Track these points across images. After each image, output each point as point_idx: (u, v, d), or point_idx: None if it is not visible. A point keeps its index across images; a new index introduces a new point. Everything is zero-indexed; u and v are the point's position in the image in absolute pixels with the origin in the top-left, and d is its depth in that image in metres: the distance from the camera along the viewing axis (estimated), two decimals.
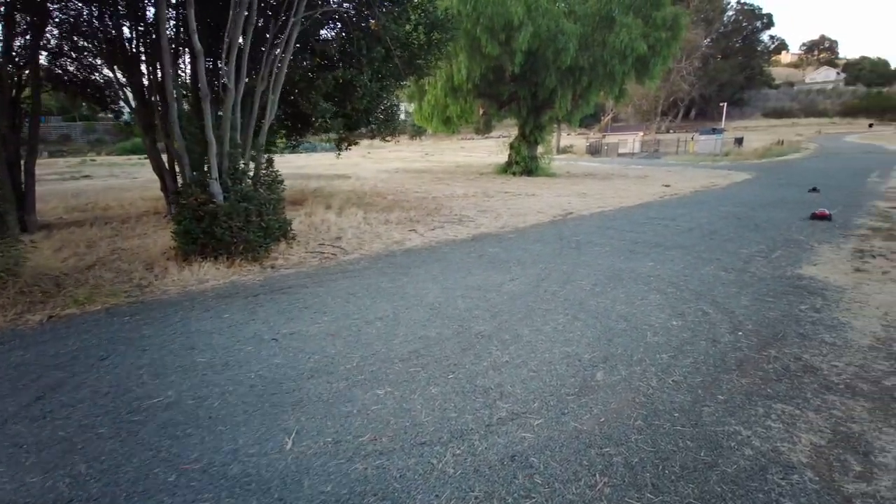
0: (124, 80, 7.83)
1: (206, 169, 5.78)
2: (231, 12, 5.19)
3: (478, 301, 4.41)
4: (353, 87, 7.22)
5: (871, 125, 58.37)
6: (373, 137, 10.47)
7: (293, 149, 10.40)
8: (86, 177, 20.90)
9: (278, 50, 6.24)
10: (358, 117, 8.53)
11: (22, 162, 7.86)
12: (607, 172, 20.82)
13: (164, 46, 5.31)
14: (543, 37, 14.09)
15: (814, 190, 12.12)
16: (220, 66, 5.94)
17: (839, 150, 31.32)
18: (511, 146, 19.56)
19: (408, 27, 7.96)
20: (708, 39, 56.23)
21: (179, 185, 6.05)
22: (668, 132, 46.94)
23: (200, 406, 2.69)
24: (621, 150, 36.41)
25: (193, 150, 6.10)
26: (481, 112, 22.70)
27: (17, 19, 7.27)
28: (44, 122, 42.99)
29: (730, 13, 65.54)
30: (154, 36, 6.32)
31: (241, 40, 5.74)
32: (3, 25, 7.26)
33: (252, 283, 5.19)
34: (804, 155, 27.94)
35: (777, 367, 3.04)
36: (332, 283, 5.10)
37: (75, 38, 7.70)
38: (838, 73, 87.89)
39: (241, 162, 6.20)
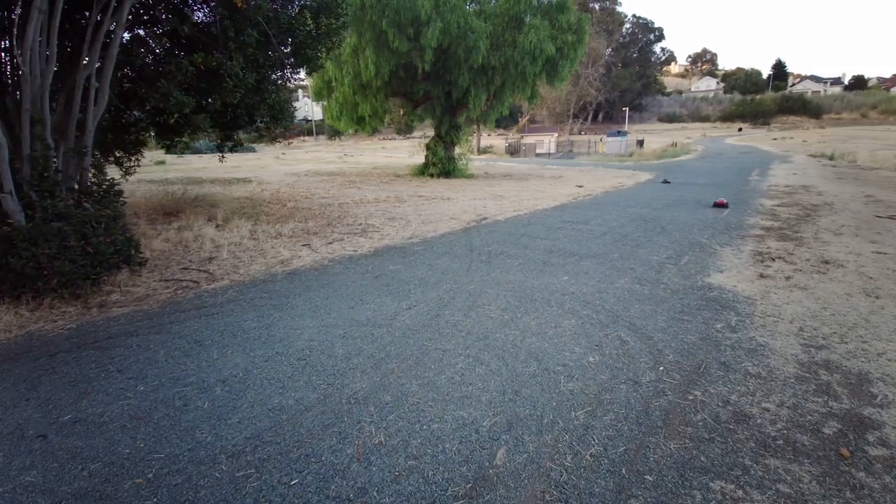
0: None
1: None
2: None
3: (361, 342, 3.53)
4: (220, 76, 5.94)
5: (739, 129, 66.55)
6: (259, 138, 9.10)
7: (230, 149, 8.72)
8: None
9: (105, 24, 4.84)
10: (235, 114, 7.19)
11: None
12: (524, 173, 20.98)
13: None
14: (453, 34, 13.54)
15: (665, 182, 14.44)
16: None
17: (722, 150, 34.94)
18: (427, 147, 18.90)
19: (290, 9, 6.83)
20: (610, 49, 60.54)
21: None
22: (580, 133, 49.55)
23: None
24: (539, 151, 37.58)
25: None
26: (401, 112, 21.83)
27: None
28: None
29: (627, 26, 71.09)
30: None
31: (42, 6, 4.30)
32: None
33: (58, 333, 3.83)
34: (694, 156, 30.65)
35: (706, 419, 2.53)
36: (176, 327, 3.91)
37: None
38: (718, 83, 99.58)
39: (55, 169, 4.72)
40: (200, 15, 7.06)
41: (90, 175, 5.29)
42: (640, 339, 3.53)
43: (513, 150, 38.97)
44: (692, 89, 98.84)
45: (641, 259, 5.88)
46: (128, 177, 9.54)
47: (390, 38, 13.18)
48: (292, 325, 3.89)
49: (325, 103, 18.24)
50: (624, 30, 69.98)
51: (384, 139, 57.36)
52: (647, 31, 75.62)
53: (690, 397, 2.74)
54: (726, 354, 3.29)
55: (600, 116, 67.13)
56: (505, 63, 14.85)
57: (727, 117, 77.25)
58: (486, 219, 9.10)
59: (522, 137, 41.84)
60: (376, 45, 13.87)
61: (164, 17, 6.45)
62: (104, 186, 5.27)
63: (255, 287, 5.01)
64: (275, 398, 2.77)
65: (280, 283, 5.17)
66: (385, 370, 3.09)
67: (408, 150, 33.48)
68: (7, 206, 4.26)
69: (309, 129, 66.62)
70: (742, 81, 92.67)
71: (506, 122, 46.88)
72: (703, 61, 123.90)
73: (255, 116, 7.92)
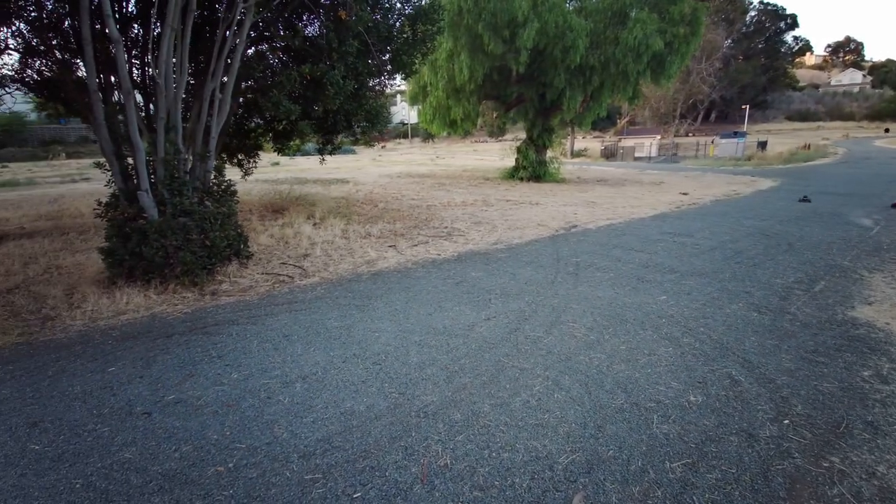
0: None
1: (134, 178, 4.96)
2: None
3: (436, 352, 3.45)
4: (322, 85, 6.33)
5: (886, 130, 55.40)
6: (356, 141, 9.57)
7: (330, 152, 9.44)
8: (85, 179, 20.59)
9: (229, 40, 5.39)
10: (335, 119, 7.63)
11: None
12: (620, 178, 19.64)
13: (86, 37, 4.50)
14: (551, 34, 13.07)
15: (805, 199, 11.22)
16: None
17: (868, 154, 29.46)
18: (518, 150, 18.54)
19: (390, 18, 7.07)
20: (729, 40, 54.26)
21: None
22: (687, 135, 45.25)
23: None
24: (637, 154, 35.03)
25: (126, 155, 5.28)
26: (493, 115, 21.76)
27: None
28: (63, 124, 43.48)
29: (752, 13, 63.14)
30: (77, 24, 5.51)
31: (177, 26, 4.91)
32: None
33: (175, 316, 4.32)
34: (832, 160, 26.23)
35: (845, 494, 2.02)
36: (269, 320, 4.19)
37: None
38: (864, 76, 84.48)
39: (184, 170, 5.36)
40: (310, 29, 7.62)
41: (212, 176, 5.93)
42: (758, 380, 2.98)
43: (609, 154, 36.79)
44: (832, 83, 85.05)
45: (761, 281, 5.07)
46: (246, 177, 10.69)
47: (485, 41, 13.11)
48: (371, 328, 3.96)
49: (419, 107, 18.80)
50: (748, 18, 62.28)
51: (476, 142, 57.80)
52: (777, 19, 66.48)
53: (825, 464, 2.22)
54: (875, 412, 2.64)
55: (713, 116, 60.57)
56: (605, 62, 13.98)
57: (876, 116, 65.12)
58: (575, 226, 8.60)
59: (620, 140, 39.33)
60: (471, 48, 13.90)
61: (280, 32, 7.05)
62: (223, 186, 5.88)
63: (341, 286, 5.22)
64: (347, 402, 2.80)
65: (364, 283, 5.33)
66: (457, 385, 2.97)
67: (498, 153, 33.28)
68: (143, 203, 4.92)
69: (405, 133, 69.55)
70: (894, 75, 77.41)
71: (602, 123, 44.47)
72: (846, 51, 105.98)
73: (352, 121, 8.34)
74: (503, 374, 3.10)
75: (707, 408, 2.68)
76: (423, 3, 7.36)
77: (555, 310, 4.30)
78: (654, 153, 34.68)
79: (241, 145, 9.54)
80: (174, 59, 5.01)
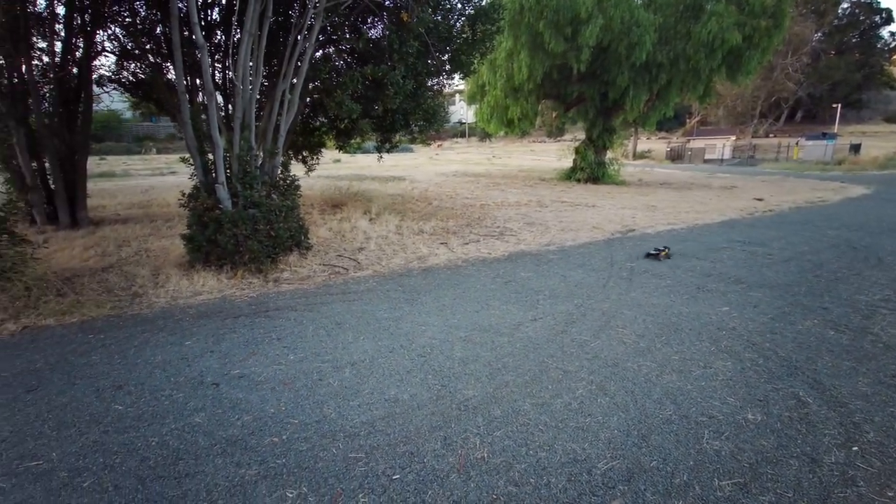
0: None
1: (213, 173, 5.42)
2: (239, 4, 4.74)
3: (481, 349, 3.50)
4: (383, 85, 6.57)
5: None
6: (413, 140, 9.80)
7: (388, 150, 9.85)
8: (172, 173, 22.63)
9: (299, 44, 5.74)
10: (393, 118, 7.87)
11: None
12: (686, 181, 18.55)
13: (176, 42, 4.99)
14: (615, 30, 12.62)
15: (655, 253, 6.24)
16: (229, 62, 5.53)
17: None
18: (576, 151, 18.07)
19: (450, 19, 7.18)
20: (819, 33, 49.19)
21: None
22: (767, 136, 41.74)
23: (73, 489, 2.10)
24: (708, 156, 32.86)
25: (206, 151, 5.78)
26: (553, 115, 21.37)
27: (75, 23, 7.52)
28: (154, 122, 48.04)
29: (844, 5, 56.62)
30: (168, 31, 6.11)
31: (255, 32, 5.31)
32: (64, 27, 7.55)
33: (242, 300, 4.69)
34: None
35: None
36: (324, 308, 4.44)
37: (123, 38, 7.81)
38: None
39: (255, 166, 5.78)
40: (374, 32, 7.92)
41: (279, 171, 6.35)
42: (828, 403, 2.75)
43: (675, 156, 34.79)
44: None
45: (841, 298, 4.62)
46: (310, 173, 11.29)
47: (546, 38, 12.90)
48: (419, 321, 4.07)
49: (477, 106, 18.85)
50: (840, 10, 56.02)
51: (533, 142, 56.87)
52: (871, 12, 59.21)
53: (890, 493, 2.02)
54: None
55: (798, 115, 55.15)
56: (674, 58, 13.27)
57: None
58: (633, 231, 8.27)
59: (689, 141, 37.02)
60: (531, 47, 13.73)
61: (346, 35, 7.40)
62: (288, 181, 6.28)
63: (392, 280, 5.40)
64: (392, 389, 2.92)
65: (415, 278, 5.48)
66: (499, 382, 3.00)
67: (556, 154, 32.58)
68: (219, 195, 5.37)
69: (462, 132, 69.89)
70: None
71: (669, 123, 42.04)
72: None
73: (410, 120, 8.56)
74: (546, 375, 3.08)
75: (766, 427, 2.51)
76: (484, 2, 7.40)
77: (604, 314, 4.19)
78: (727, 155, 32.36)
79: (306, 143, 10.10)
80: (251, 63, 5.42)
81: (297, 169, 8.34)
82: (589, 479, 2.12)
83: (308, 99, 7.90)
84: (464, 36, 7.43)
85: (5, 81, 7.27)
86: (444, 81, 8.75)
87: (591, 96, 15.89)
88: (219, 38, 7.60)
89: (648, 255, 6.16)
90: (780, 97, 43.84)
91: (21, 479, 2.15)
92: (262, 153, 6.06)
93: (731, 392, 2.87)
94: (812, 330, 3.83)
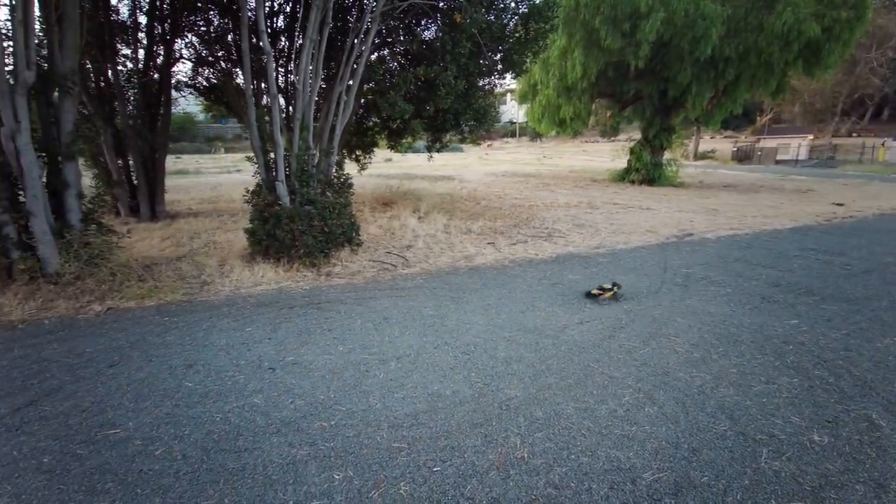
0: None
1: (274, 171, 5.76)
2: (302, 12, 5.00)
3: (524, 349, 3.49)
4: (435, 85, 6.67)
5: None
6: (463, 140, 9.86)
7: (438, 149, 10.08)
8: (237, 171, 24.16)
9: (356, 47, 5.96)
10: (444, 118, 7.97)
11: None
12: (753, 183, 17.32)
13: (245, 49, 5.36)
14: (678, 23, 11.99)
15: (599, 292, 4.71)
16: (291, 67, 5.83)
17: None
18: (631, 151, 17.38)
19: (503, 18, 7.16)
20: None
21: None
22: (850, 135, 38.01)
23: (146, 456, 2.33)
24: (780, 157, 30.48)
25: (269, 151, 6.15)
26: (607, 114, 20.71)
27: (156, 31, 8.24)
28: (223, 123, 51.46)
29: None
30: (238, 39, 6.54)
31: (315, 38, 5.57)
32: (146, 36, 8.30)
33: (297, 291, 4.95)
34: None
35: None
36: (373, 303, 4.59)
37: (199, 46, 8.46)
38: None
39: (312, 164, 6.08)
40: (427, 33, 8.06)
41: (333, 170, 6.63)
42: None
43: (742, 156, 32.51)
44: None
45: None
46: (362, 171, 11.68)
47: (602, 35, 12.50)
48: (464, 319, 4.12)
49: (528, 106, 18.62)
50: None
51: (586, 142, 55.27)
52: None
53: None
54: None
55: (885, 114, 49.70)
56: (744, 52, 12.43)
57: None
58: (690, 235, 7.86)
59: (758, 140, 34.46)
60: (586, 44, 13.37)
61: (400, 38, 7.59)
62: (342, 180, 6.55)
63: (439, 277, 5.49)
64: (435, 384, 2.98)
65: (461, 276, 5.53)
66: (542, 384, 2.98)
67: (609, 154, 31.49)
68: (279, 192, 5.70)
69: (512, 132, 69.22)
70: None
71: (736, 122, 39.24)
72: None
73: (460, 120, 8.63)
74: (591, 380, 3.02)
75: (833, 450, 2.33)
76: (538, 1, 7.31)
77: (655, 321, 4.04)
78: (802, 156, 29.85)
79: (360, 142, 10.45)
80: (310, 67, 5.70)
81: (350, 167, 8.65)
82: (633, 489, 2.07)
83: (362, 100, 8.19)
84: (516, 35, 7.38)
85: (93, 85, 8.09)
86: (496, 81, 8.74)
87: (649, 94, 15.22)
88: (282, 44, 8.04)
89: (589, 296, 4.60)
90: (863, 94, 39.75)
91: (99, 445, 2.41)
92: (318, 152, 6.35)
93: (796, 411, 2.68)
94: (892, 349, 3.48)
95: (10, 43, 4.43)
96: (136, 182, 8.86)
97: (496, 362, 3.29)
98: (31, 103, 4.69)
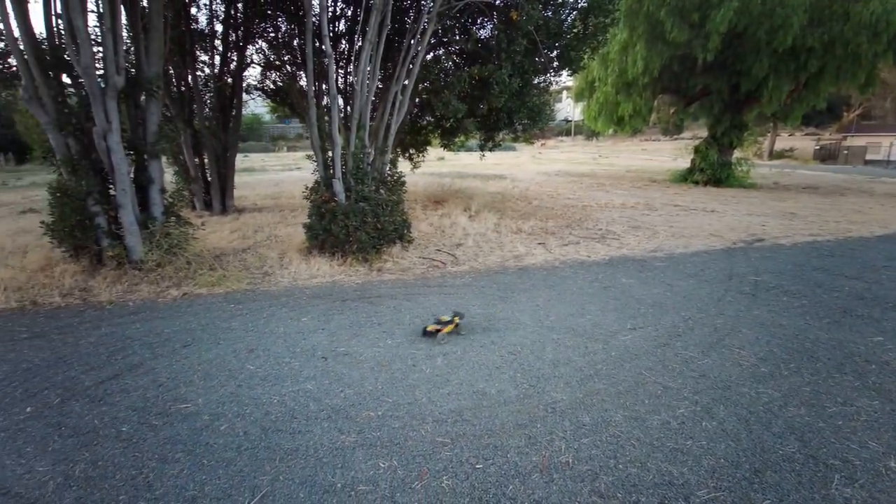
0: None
1: (331, 169, 6.00)
2: (363, 15, 5.17)
3: (573, 353, 3.41)
4: (489, 84, 6.65)
5: None
6: (515, 138, 9.75)
7: (490, 148, 10.09)
8: (298, 168, 25.42)
9: (412, 48, 6.07)
10: (497, 117, 7.93)
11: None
12: (839, 185, 15.74)
13: (309, 53, 5.63)
14: (754, 12, 11.13)
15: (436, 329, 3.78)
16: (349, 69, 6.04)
17: None
18: (696, 150, 16.37)
19: (561, 14, 6.99)
20: None
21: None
22: None
23: (212, 430, 2.53)
24: (870, 157, 27.48)
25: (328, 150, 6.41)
26: (670, 111, 19.67)
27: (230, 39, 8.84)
28: (287, 123, 54.30)
29: None
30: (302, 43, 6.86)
31: (374, 40, 5.74)
32: (221, 43, 8.93)
33: (350, 285, 5.14)
34: None
35: None
36: (421, 299, 4.68)
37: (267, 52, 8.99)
38: None
39: (367, 162, 6.27)
40: (483, 32, 8.05)
41: (387, 168, 6.80)
42: None
43: (825, 155, 29.64)
44: None
45: None
46: (415, 170, 11.89)
47: (667, 27, 11.87)
48: (511, 319, 4.09)
49: (584, 103, 18.07)
50: None
51: (645, 140, 52.73)
52: None
53: None
54: None
55: None
56: (828, 42, 11.31)
57: None
58: (761, 240, 7.29)
59: (844, 138, 31.24)
60: (649, 37, 12.75)
61: (456, 37, 7.65)
62: (395, 177, 6.70)
63: (487, 276, 5.48)
64: (480, 382, 2.99)
65: (510, 276, 5.49)
66: (590, 389, 2.91)
67: (671, 153, 29.84)
68: (335, 189, 5.94)
69: (567, 130, 67.48)
70: None
71: (819, 118, 35.72)
72: None
73: (514, 119, 8.54)
74: (643, 389, 2.90)
75: None
76: None
77: (717, 331, 3.80)
78: (895, 156, 26.72)
79: (413, 141, 10.64)
80: (368, 68, 5.89)
81: (403, 166, 8.83)
82: None
83: (417, 99, 8.33)
84: (574, 31, 7.19)
85: (175, 89, 8.82)
86: (551, 79, 8.56)
87: (718, 88, 14.25)
88: (342, 47, 8.36)
89: (425, 334, 3.65)
90: None
91: (172, 417, 2.64)
92: (373, 151, 6.54)
93: (875, 435, 2.42)
94: None
95: (101, 49, 4.92)
96: (209, 178, 9.57)
97: (543, 364, 3.24)
98: (121, 106, 5.20)
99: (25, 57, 4.84)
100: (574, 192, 13.89)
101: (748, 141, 17.72)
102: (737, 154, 16.32)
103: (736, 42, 12.33)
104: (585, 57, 7.76)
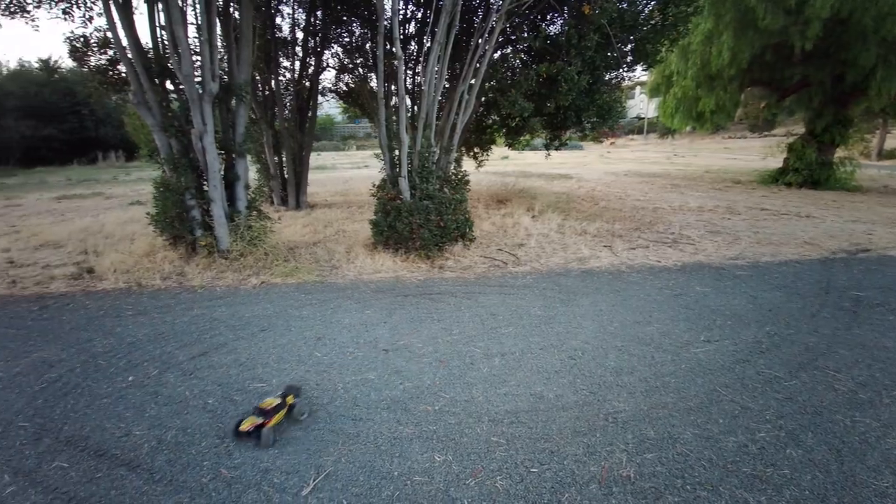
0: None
1: (398, 167, 6.18)
2: (432, 17, 5.27)
3: (637, 362, 3.25)
4: (556, 82, 6.49)
5: None
6: (583, 137, 9.42)
7: (556, 147, 9.94)
8: (366, 166, 26.45)
9: (480, 47, 6.09)
10: (564, 115, 7.72)
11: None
12: None
13: (380, 55, 5.84)
14: None
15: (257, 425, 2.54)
16: (417, 70, 6.16)
17: None
18: (790, 148, 14.79)
19: (637, 5, 6.64)
20: None
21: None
22: None
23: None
24: None
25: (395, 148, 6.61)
26: (760, 105, 17.99)
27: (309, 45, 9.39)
28: (357, 123, 56.69)
29: None
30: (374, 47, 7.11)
31: (442, 41, 5.83)
32: (301, 49, 9.51)
33: (412, 281, 5.28)
34: None
35: None
36: (482, 297, 4.69)
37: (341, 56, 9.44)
38: None
39: (432, 161, 6.39)
40: (552, 28, 7.87)
41: (452, 167, 6.88)
42: None
43: None
44: None
45: None
46: (479, 168, 11.89)
47: (759, 14, 10.82)
48: (573, 323, 3.99)
49: (659, 99, 17.01)
50: None
51: (728, 138, 48.52)
52: None
53: None
54: None
55: None
56: None
57: None
58: (866, 250, 6.46)
59: None
60: (737, 26, 11.71)
61: (524, 35, 7.55)
62: (459, 176, 6.77)
63: (549, 278, 5.37)
64: (538, 386, 2.95)
65: (573, 279, 5.34)
66: (656, 401, 2.76)
67: (760, 152, 27.19)
68: (401, 186, 6.11)
69: (639, 128, 64.02)
70: None
71: None
72: None
73: (582, 117, 8.27)
74: (716, 407, 2.70)
75: None
76: None
77: (809, 350, 3.43)
78: None
79: (478, 140, 10.65)
80: (436, 68, 5.99)
81: (467, 164, 8.88)
82: None
83: (483, 98, 8.32)
84: (651, 22, 6.79)
85: (260, 93, 9.54)
86: (624, 74, 8.17)
87: (819, 80, 12.76)
88: (411, 48, 8.56)
89: (239, 435, 2.43)
90: None
91: (252, 395, 2.87)
92: (438, 150, 6.65)
93: None
94: None
95: (199, 58, 5.44)
96: (286, 176, 10.26)
97: (605, 371, 3.13)
98: (214, 109, 5.73)
99: (134, 65, 5.47)
100: (644, 194, 13.15)
101: (853, 138, 15.66)
102: (840, 153, 14.54)
103: (839, 29, 10.97)
104: (663, 50, 7.31)
